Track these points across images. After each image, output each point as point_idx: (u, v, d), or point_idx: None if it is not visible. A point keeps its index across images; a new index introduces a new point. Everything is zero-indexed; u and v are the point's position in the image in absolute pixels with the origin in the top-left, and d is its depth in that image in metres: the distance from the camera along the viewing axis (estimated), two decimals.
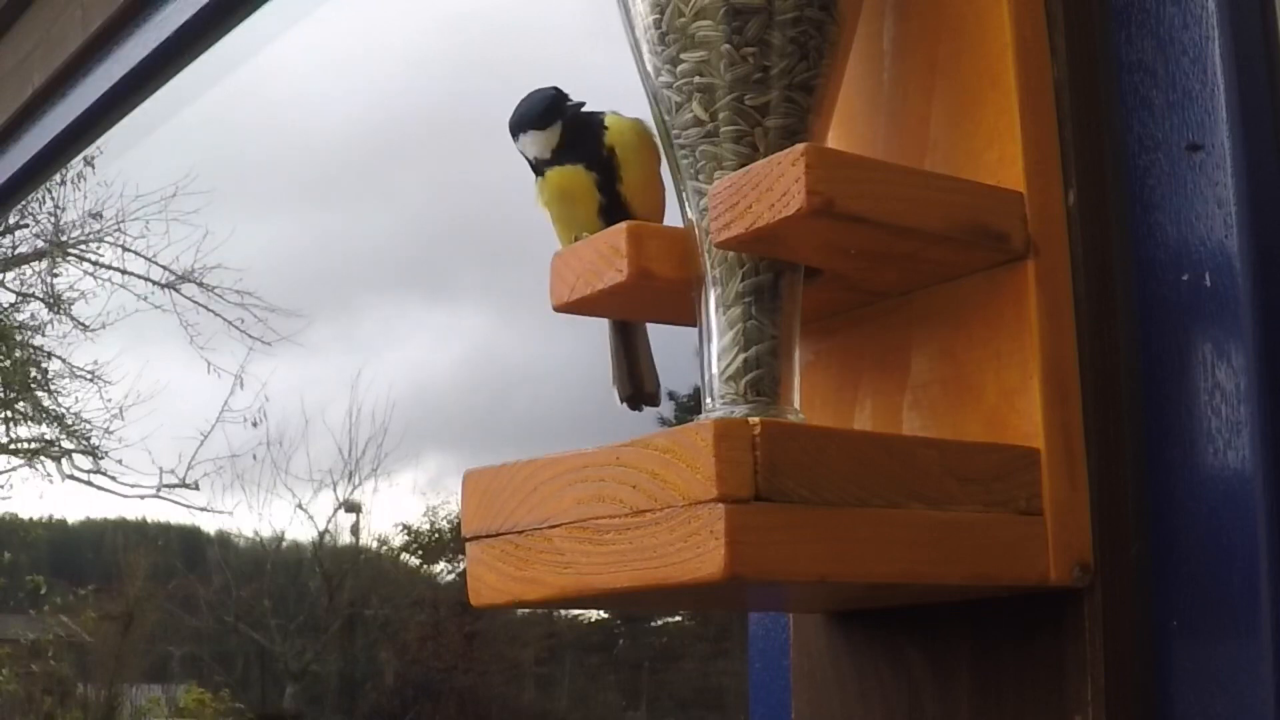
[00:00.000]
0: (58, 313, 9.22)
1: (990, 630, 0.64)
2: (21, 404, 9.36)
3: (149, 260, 9.24)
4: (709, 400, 0.63)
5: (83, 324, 9.19)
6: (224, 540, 9.99)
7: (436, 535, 9.65)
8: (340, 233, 12.77)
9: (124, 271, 9.28)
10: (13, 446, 9.33)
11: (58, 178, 8.08)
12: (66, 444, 9.28)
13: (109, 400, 9.17)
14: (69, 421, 9.29)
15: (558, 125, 0.73)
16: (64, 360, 9.28)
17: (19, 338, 9.39)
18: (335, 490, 9.48)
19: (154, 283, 9.24)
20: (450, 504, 9.41)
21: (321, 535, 9.57)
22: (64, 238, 9.18)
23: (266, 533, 9.88)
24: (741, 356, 0.62)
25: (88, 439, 9.28)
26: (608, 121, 0.72)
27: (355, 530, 9.65)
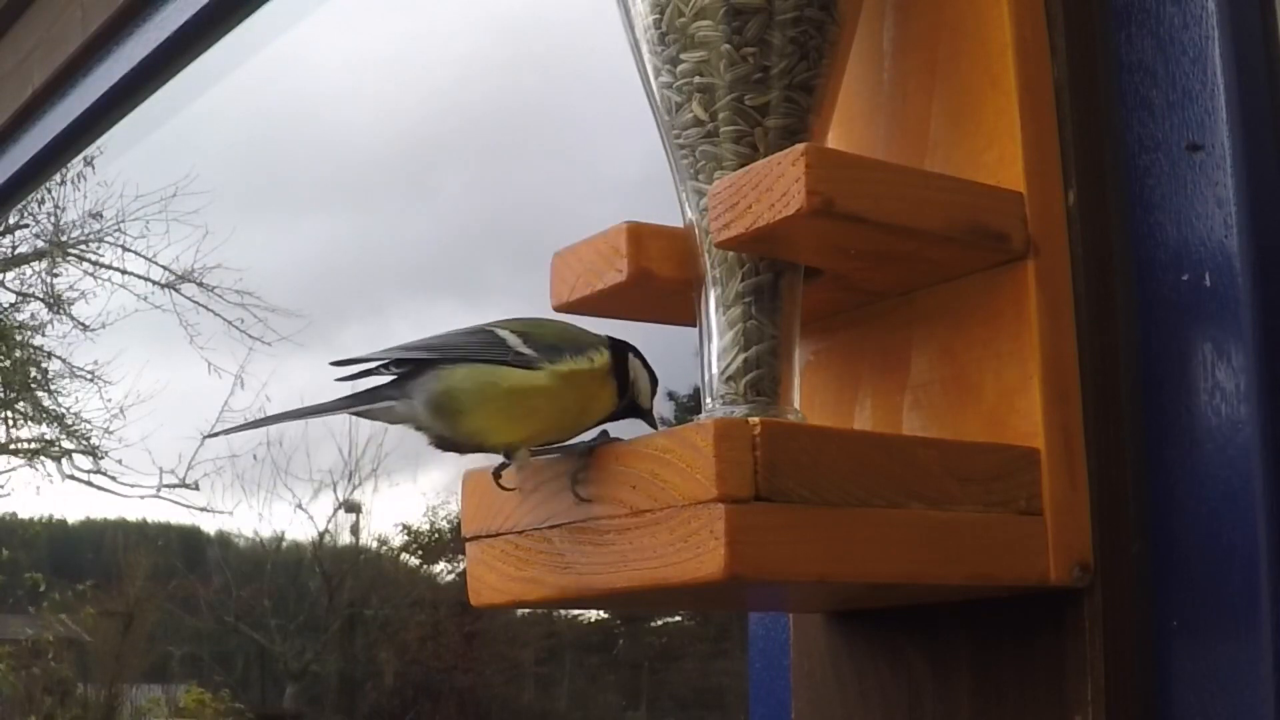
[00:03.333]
0: (58, 313, 9.23)
1: (990, 630, 0.64)
2: (21, 404, 9.36)
3: (149, 260, 9.25)
4: (709, 400, 0.63)
5: (83, 324, 9.20)
6: (224, 540, 9.99)
7: (436, 535, 9.64)
8: (346, 233, 12.76)
9: (124, 271, 9.29)
10: (13, 447, 9.33)
11: (58, 178, 8.08)
12: (66, 444, 9.28)
13: (109, 400, 9.17)
14: (69, 421, 9.29)
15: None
16: (64, 360, 9.29)
17: (19, 338, 9.39)
18: (336, 490, 9.49)
19: (154, 283, 9.24)
20: (450, 504, 9.41)
21: (321, 535, 9.57)
22: (64, 238, 9.18)
23: (266, 533, 9.88)
24: (741, 356, 0.62)
25: (88, 439, 9.29)
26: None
27: (355, 530, 9.65)
